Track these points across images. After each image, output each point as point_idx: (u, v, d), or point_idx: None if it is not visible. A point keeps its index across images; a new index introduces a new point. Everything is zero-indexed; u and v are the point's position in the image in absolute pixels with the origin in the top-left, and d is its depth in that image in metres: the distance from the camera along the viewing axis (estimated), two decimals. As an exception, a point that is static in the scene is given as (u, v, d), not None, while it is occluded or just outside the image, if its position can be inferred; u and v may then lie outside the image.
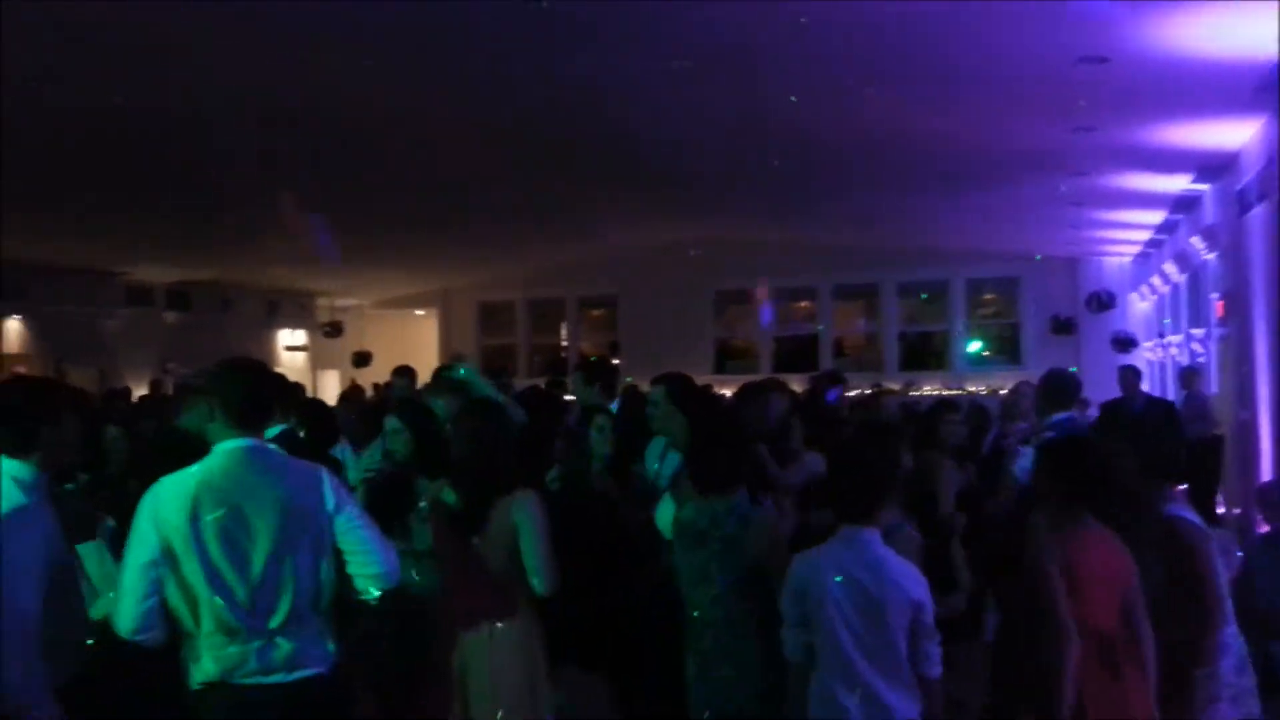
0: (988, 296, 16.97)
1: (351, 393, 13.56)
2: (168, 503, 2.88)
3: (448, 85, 7.40)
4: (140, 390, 13.64)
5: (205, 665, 2.87)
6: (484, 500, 3.55)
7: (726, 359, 17.49)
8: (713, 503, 3.62)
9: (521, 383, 14.40)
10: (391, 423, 4.28)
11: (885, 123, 8.30)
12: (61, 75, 6.57)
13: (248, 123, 7.95)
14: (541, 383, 9.88)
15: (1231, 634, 3.55)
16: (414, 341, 18.60)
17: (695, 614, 3.59)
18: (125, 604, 2.86)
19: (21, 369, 13.34)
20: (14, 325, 13.72)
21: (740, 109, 8.18)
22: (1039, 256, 15.37)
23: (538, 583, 3.48)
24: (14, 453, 2.93)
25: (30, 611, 2.73)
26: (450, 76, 7.18)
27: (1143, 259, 14.61)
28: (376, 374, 14.90)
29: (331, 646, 2.99)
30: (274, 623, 2.87)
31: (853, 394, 11.01)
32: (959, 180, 10.64)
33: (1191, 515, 3.59)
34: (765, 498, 4.00)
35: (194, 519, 2.85)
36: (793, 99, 7.60)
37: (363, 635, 3.64)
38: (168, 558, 2.86)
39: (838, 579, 3.14)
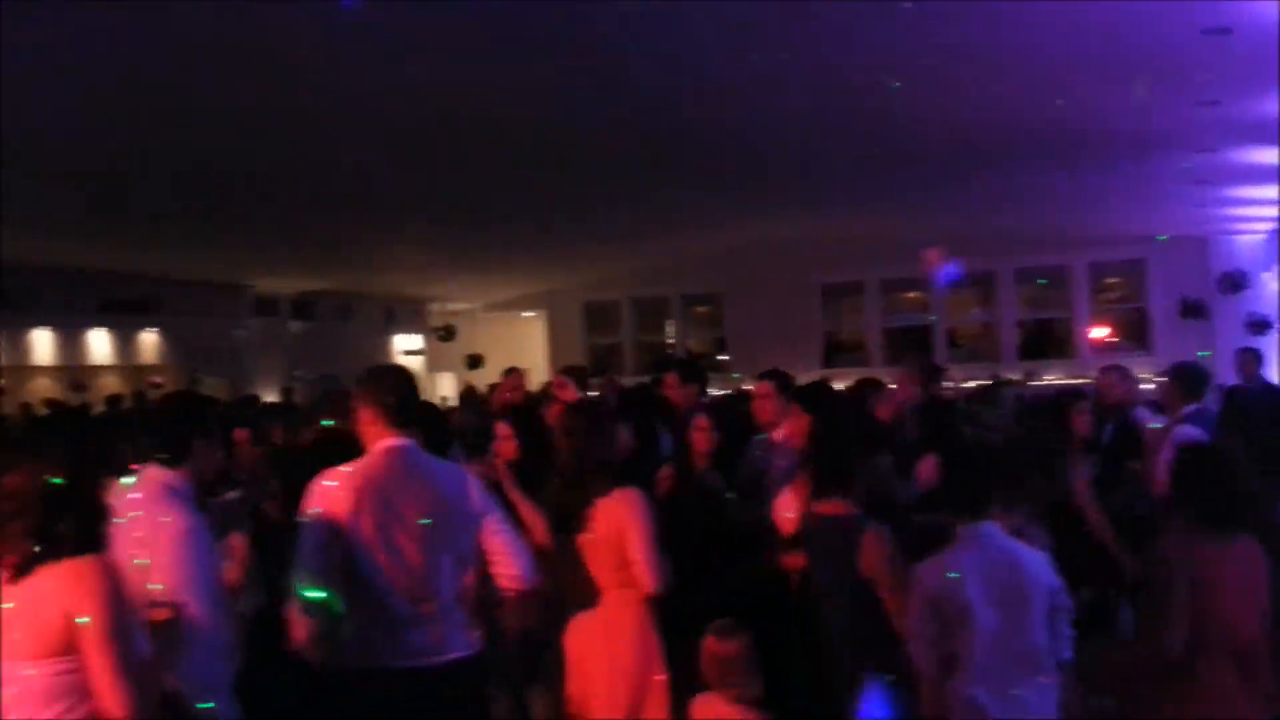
0: (1111, 280, 16.28)
1: (469, 395, 13.91)
2: (330, 497, 3.05)
3: (555, 89, 7.51)
4: (269, 398, 14.29)
5: (361, 650, 3.03)
6: (586, 499, 3.59)
7: (835, 353, 17.26)
8: (828, 508, 3.57)
9: (628, 380, 14.56)
10: (501, 429, 4.38)
11: (1000, 104, 8.06)
12: (179, 97, 6.93)
13: (365, 138, 8.24)
14: (647, 380, 9.92)
15: None
16: (523, 342, 18.96)
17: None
18: (309, 591, 2.98)
19: (158, 379, 14.16)
20: (150, 337, 14.56)
21: (848, 99, 8.05)
22: (1164, 237, 14.65)
23: (646, 580, 3.49)
24: (171, 464, 3.14)
25: (210, 615, 2.94)
26: (558, 80, 7.28)
27: (1276, 236, 13.79)
28: (489, 375, 15.25)
29: (475, 634, 3.15)
30: (426, 610, 3.02)
31: (970, 385, 10.74)
32: (1078, 161, 10.24)
33: None
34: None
35: (355, 513, 3.01)
36: (895, 85, 7.46)
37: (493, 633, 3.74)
38: (331, 548, 3.01)
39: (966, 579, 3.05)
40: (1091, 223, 14.39)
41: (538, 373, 14.01)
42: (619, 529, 3.50)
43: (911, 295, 17.25)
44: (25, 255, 11.46)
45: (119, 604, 2.36)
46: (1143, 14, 5.89)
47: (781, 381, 4.94)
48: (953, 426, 5.51)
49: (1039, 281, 16.58)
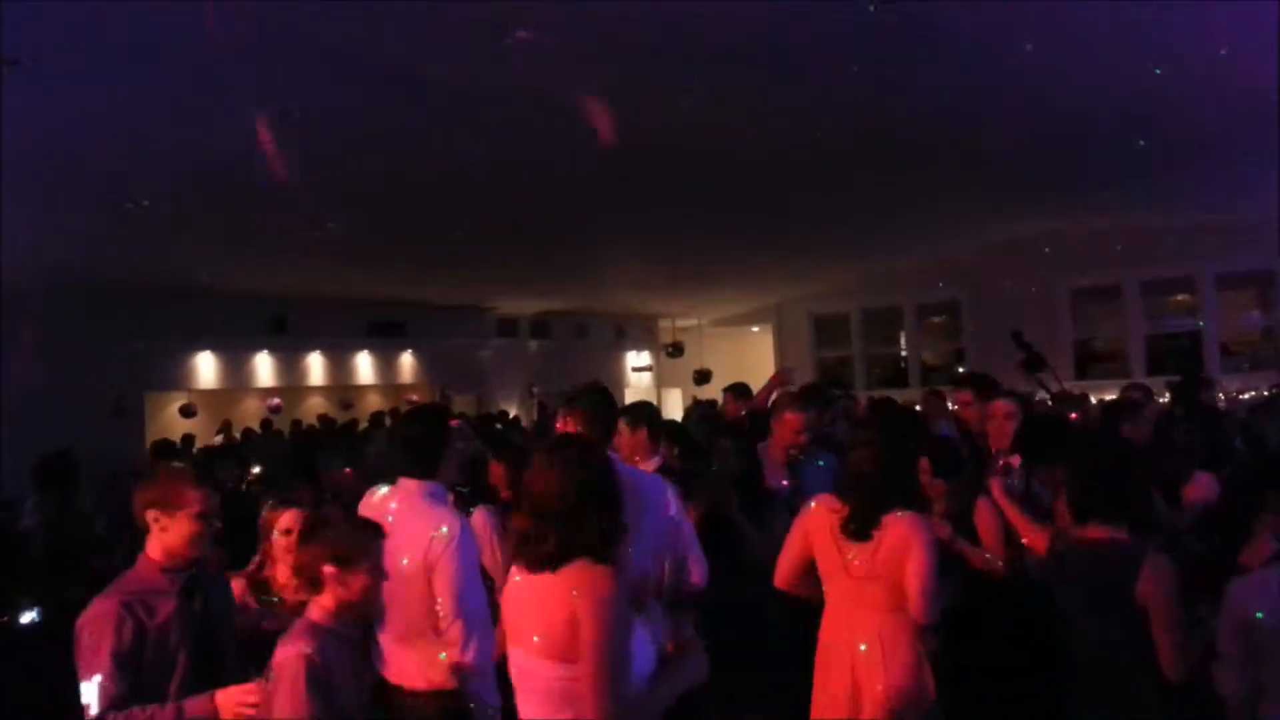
0: None
1: (694, 409, 14.00)
2: None
3: (777, 103, 7.45)
4: (511, 412, 15.01)
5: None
6: (874, 516, 3.42)
7: (1090, 362, 16.01)
8: (1095, 533, 3.27)
9: (860, 393, 14.14)
10: (725, 443, 4.33)
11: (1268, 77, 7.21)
12: (429, 138, 7.42)
13: (597, 165, 8.51)
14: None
15: None
16: (751, 357, 18.91)
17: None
18: None
19: (415, 396, 15.20)
20: (407, 358, 15.67)
21: (1091, 89, 7.48)
22: None
23: (917, 608, 3.30)
24: (423, 474, 3.35)
25: (478, 607, 3.23)
26: (784, 90, 7.21)
27: None
28: (715, 390, 15.30)
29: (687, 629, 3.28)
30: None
31: (1248, 395, 9.65)
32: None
33: None
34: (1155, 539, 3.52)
35: None
36: (1156, 70, 6.83)
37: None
38: None
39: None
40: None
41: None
42: (902, 550, 3.32)
43: (1178, 298, 15.73)
44: (301, 287, 12.69)
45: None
46: None
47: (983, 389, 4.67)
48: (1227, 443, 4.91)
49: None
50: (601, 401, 3.49)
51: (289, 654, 2.65)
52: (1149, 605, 3.05)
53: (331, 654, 2.68)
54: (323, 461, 6.80)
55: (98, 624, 2.70)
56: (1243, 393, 11.86)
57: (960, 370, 16.53)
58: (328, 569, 2.75)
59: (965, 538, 3.98)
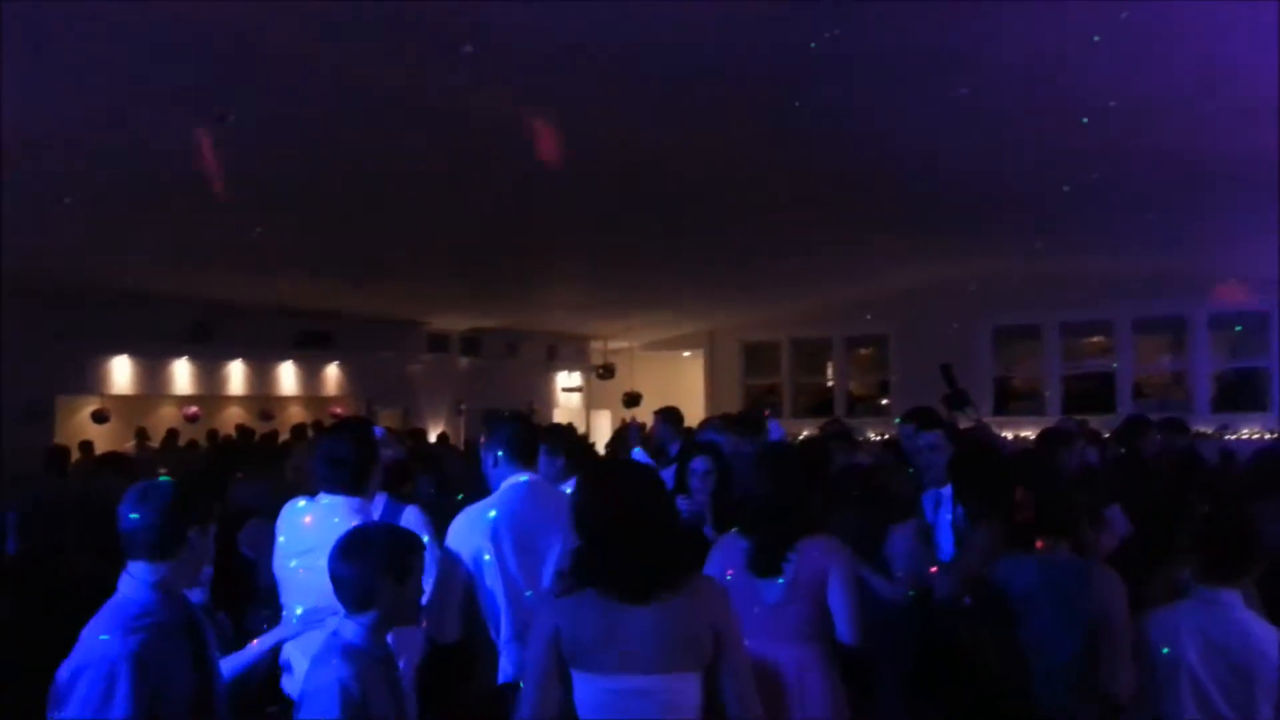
0: (1321, 327, 14.90)
1: (620, 432, 14.03)
2: (472, 529, 3.38)
3: (722, 136, 7.54)
4: (436, 429, 14.83)
5: (505, 668, 3.29)
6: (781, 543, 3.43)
7: (1008, 399, 16.46)
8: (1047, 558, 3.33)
9: (787, 423, 14.30)
10: (702, 464, 4.31)
11: (1194, 135, 7.55)
12: (368, 149, 7.33)
13: (532, 183, 8.49)
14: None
15: None
16: (681, 382, 19.00)
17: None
18: (448, 615, 3.33)
19: (339, 410, 14.92)
20: (332, 371, 15.38)
21: (1022, 137, 7.74)
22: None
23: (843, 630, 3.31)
24: (348, 491, 3.31)
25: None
26: (725, 126, 7.31)
27: None
28: (645, 414, 15.34)
29: None
30: None
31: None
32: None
33: None
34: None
35: (495, 542, 3.33)
36: (1084, 120, 7.09)
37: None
38: (472, 577, 3.33)
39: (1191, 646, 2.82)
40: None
41: (695, 412, 13.97)
42: (821, 576, 3.32)
43: (1094, 340, 16.30)
44: (225, 294, 12.38)
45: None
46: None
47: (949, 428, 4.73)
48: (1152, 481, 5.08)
49: (1236, 328, 15.36)
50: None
51: (322, 681, 2.44)
52: (1106, 618, 3.10)
53: (369, 679, 2.49)
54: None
55: None
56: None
57: (883, 402, 16.88)
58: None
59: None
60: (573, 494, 2.67)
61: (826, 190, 9.45)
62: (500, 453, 3.53)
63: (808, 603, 3.29)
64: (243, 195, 7.84)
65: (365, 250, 10.65)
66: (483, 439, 3.65)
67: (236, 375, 14.22)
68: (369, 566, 2.57)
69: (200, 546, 2.51)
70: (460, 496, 3.95)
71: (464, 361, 17.09)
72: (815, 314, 17.34)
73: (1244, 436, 13.53)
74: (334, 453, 3.34)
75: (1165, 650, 2.89)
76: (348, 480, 3.30)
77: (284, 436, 12.47)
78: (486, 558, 3.31)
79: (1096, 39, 5.53)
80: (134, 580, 2.43)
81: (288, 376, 14.88)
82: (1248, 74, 6.15)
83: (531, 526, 3.39)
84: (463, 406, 16.50)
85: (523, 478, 3.51)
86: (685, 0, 5.19)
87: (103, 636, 2.31)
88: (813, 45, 5.58)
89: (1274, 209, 10.15)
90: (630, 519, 2.51)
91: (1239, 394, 15.07)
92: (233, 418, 14.38)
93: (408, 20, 5.23)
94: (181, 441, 12.85)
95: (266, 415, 14.46)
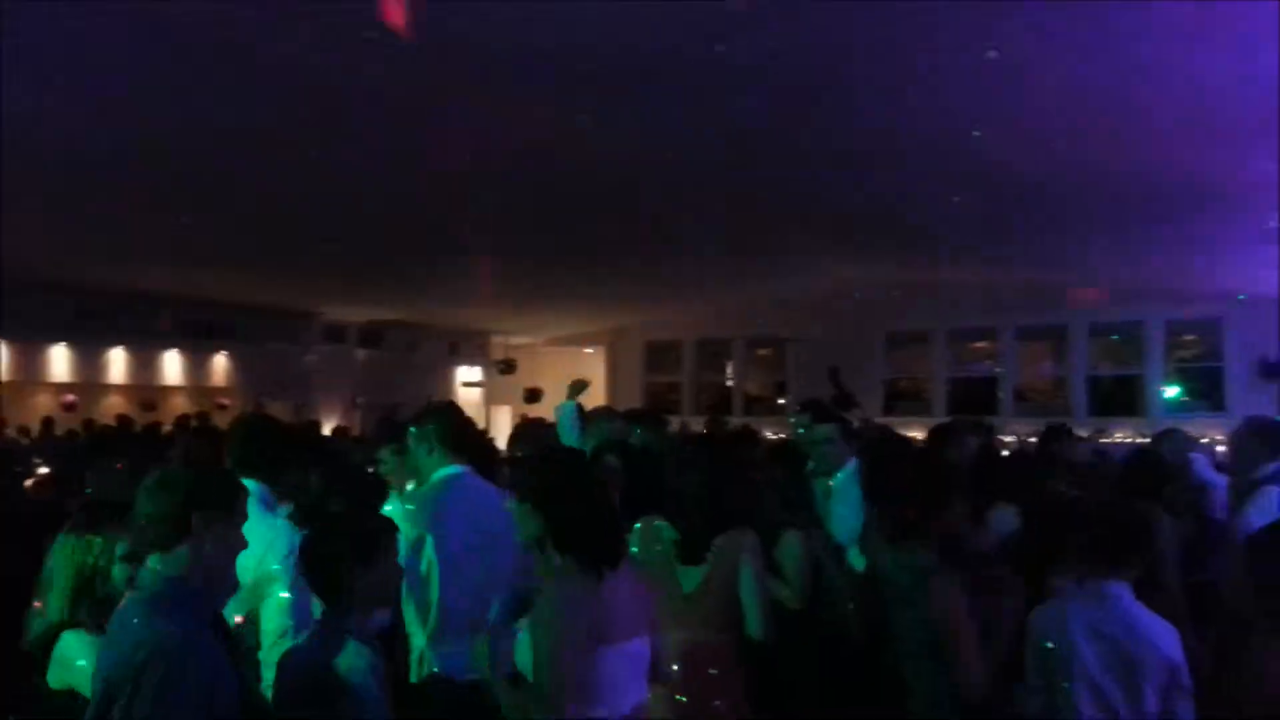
0: (1187, 338, 15.81)
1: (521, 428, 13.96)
2: (413, 517, 3.42)
3: (628, 134, 7.57)
4: (331, 423, 14.49)
5: (429, 662, 3.29)
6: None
7: (897, 400, 17.00)
8: (906, 554, 3.45)
9: (687, 419, 14.45)
10: (610, 460, 4.31)
11: (1076, 156, 7.92)
12: (264, 133, 7.12)
13: (435, 174, 8.39)
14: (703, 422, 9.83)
15: None
16: (583, 378, 18.98)
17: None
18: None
19: (226, 402, 14.46)
20: (221, 361, 14.88)
21: (923, 147, 7.98)
22: (1242, 296, 14.22)
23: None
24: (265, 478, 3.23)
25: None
26: (631, 124, 7.34)
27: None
28: (545, 410, 15.28)
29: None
30: (485, 625, 3.11)
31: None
32: (1158, 216, 10.00)
33: None
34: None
35: (437, 532, 3.33)
36: (976, 134, 7.37)
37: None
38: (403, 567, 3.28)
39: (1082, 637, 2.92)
40: (1169, 279, 14.03)
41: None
42: (734, 570, 3.40)
43: (978, 346, 16.95)
44: (106, 278, 11.86)
45: None
46: (1228, 68, 5.75)
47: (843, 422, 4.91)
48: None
49: (1113, 336, 16.18)
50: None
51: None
52: (944, 623, 3.19)
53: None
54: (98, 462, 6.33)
55: None
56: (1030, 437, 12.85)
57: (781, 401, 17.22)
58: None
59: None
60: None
61: (730, 194, 9.58)
62: (434, 443, 3.52)
63: (722, 594, 3.37)
64: (128, 178, 7.55)
65: (257, 238, 10.34)
66: (414, 428, 3.61)
67: (117, 363, 13.65)
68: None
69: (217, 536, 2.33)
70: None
71: (362, 354, 16.74)
72: (716, 314, 17.59)
73: (1119, 440, 14.25)
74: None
75: (1049, 645, 2.96)
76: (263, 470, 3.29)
77: (167, 427, 12.03)
78: (426, 549, 3.29)
79: (993, 54, 5.75)
80: (152, 572, 2.28)
81: (172, 366, 14.35)
82: (1114, 99, 6.47)
83: (476, 517, 3.38)
84: (359, 400, 16.16)
85: (457, 468, 3.50)
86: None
87: (159, 627, 2.15)
88: (719, 48, 5.66)
89: (1141, 232, 10.77)
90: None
91: (1115, 399, 15.87)
92: (114, 407, 13.79)
93: (307, 1, 5.11)
94: (59, 431, 12.27)
95: (149, 405, 13.92)
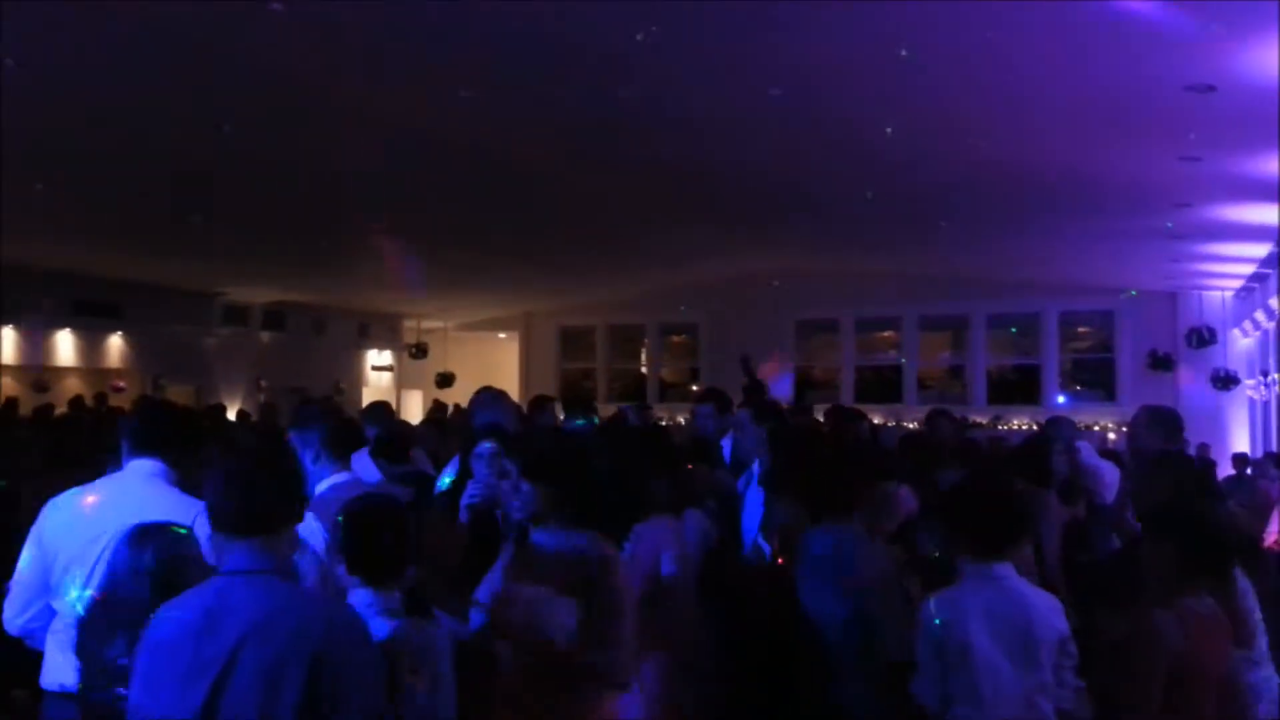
0: (1082, 330, 16.49)
1: (434, 412, 13.84)
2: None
3: (537, 116, 7.51)
4: (233, 407, 14.07)
5: None
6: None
7: (807, 389, 17.31)
8: (834, 530, 3.53)
9: (601, 406, 14.45)
10: (488, 447, 4.27)
11: (979, 153, 8.16)
12: (163, 103, 6.85)
13: (343, 152, 8.19)
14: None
15: (1265, 678, 3.27)
16: (496, 364, 18.84)
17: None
18: None
19: (122, 384, 13.91)
20: (116, 342, 14.30)
21: (829, 141, 8.12)
22: (1133, 292, 14.92)
23: None
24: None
25: None
26: (540, 109, 7.28)
27: (1246, 293, 14.03)
28: (459, 395, 15.13)
29: None
30: None
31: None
32: (1056, 211, 10.38)
33: None
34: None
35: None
36: (888, 130, 7.53)
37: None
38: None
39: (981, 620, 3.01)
40: (1065, 272, 14.60)
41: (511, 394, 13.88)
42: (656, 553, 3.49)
43: (885, 335, 17.38)
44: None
45: None
46: (1128, 70, 5.99)
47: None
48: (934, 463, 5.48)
49: (1011, 329, 16.78)
50: None
51: None
52: (877, 586, 3.31)
53: None
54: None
55: None
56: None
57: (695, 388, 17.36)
58: None
59: None
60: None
61: (640, 180, 9.61)
62: (318, 449, 3.38)
63: (642, 578, 3.42)
64: (15, 150, 7.17)
65: (155, 215, 9.95)
66: (293, 432, 3.48)
67: (6, 343, 12.99)
68: None
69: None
70: None
71: (265, 336, 16.27)
72: (631, 301, 17.64)
73: (1015, 427, 14.79)
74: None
75: (944, 627, 3.02)
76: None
77: (61, 409, 11.53)
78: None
79: (904, 53, 5.88)
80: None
81: (65, 346, 13.72)
82: (1017, 97, 6.68)
83: None
84: (263, 384, 15.72)
85: (344, 476, 3.38)
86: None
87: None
88: (639, 37, 5.66)
89: (1040, 226, 11.18)
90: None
91: (1012, 389, 16.47)
92: (2, 389, 13.13)
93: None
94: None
95: (41, 387, 13.30)
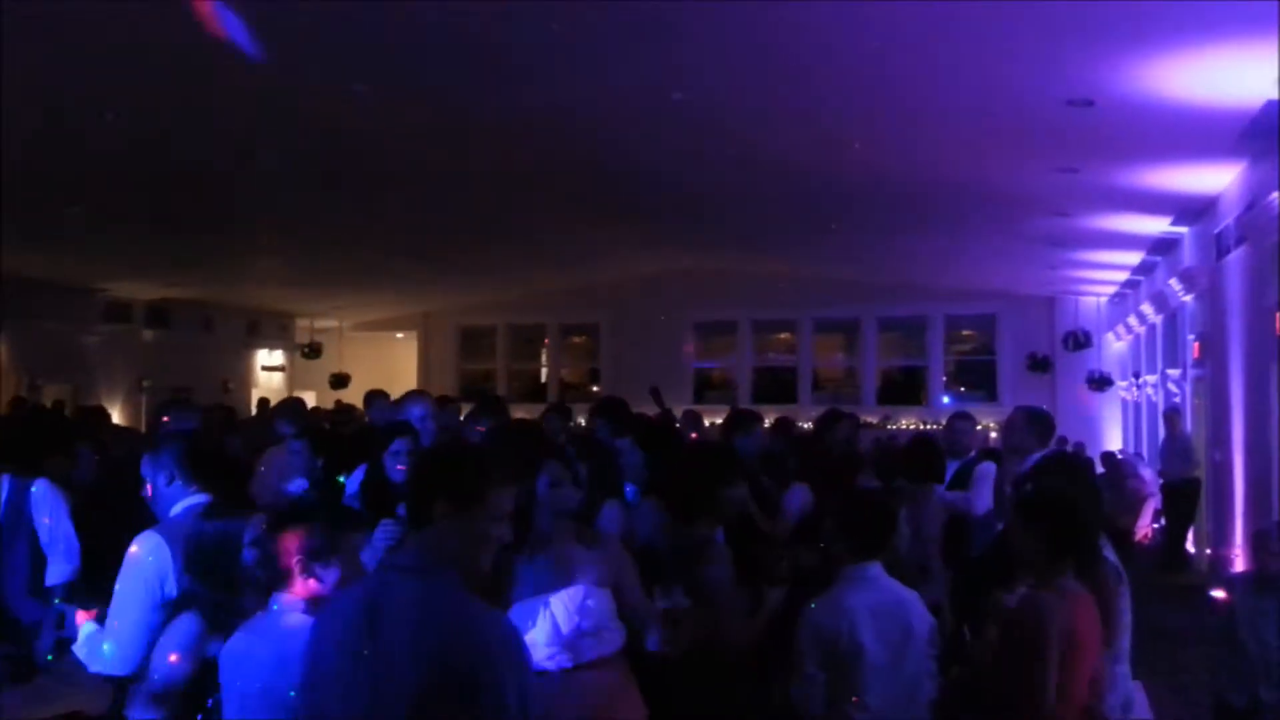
0: (966, 333, 17.15)
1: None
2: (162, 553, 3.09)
3: (434, 113, 7.41)
4: (114, 408, 13.47)
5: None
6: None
7: (706, 389, 17.54)
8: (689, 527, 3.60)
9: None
10: (402, 444, 4.18)
11: (868, 161, 8.39)
12: (46, 89, 6.52)
13: (232, 142, 7.93)
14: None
15: (1122, 673, 3.42)
16: (393, 364, 18.51)
17: None
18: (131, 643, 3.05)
19: (-8, 384, 13.17)
20: (-13, 339, 13.53)
21: (725, 145, 8.24)
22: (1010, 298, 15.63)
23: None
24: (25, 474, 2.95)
25: None
26: (437, 106, 7.19)
27: (1119, 299, 14.82)
28: (353, 396, 14.81)
29: None
30: None
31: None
32: (941, 219, 10.76)
33: (1111, 556, 3.47)
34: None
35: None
36: (781, 136, 7.69)
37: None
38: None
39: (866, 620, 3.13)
40: (950, 277, 15.15)
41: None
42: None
43: (781, 337, 17.73)
44: None
45: None
46: (1009, 83, 6.25)
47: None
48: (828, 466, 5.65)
49: (898, 331, 17.34)
50: None
51: None
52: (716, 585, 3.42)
53: None
54: None
55: None
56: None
57: (596, 390, 17.40)
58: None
59: None
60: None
61: (540, 180, 9.58)
62: (172, 473, 3.13)
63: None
64: None
65: (30, 206, 9.44)
66: (147, 458, 3.20)
67: None
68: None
69: None
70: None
71: (149, 334, 15.61)
72: (531, 301, 17.58)
73: (903, 427, 15.26)
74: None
75: (833, 631, 3.10)
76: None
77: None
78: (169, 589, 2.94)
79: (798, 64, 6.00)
80: None
81: (-70, 344, 12.93)
82: (904, 105, 6.89)
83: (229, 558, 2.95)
84: (145, 384, 15.08)
85: (201, 499, 3.14)
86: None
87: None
88: (554, 26, 5.62)
89: (925, 233, 11.58)
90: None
91: (901, 389, 17.01)
92: None
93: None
94: None
95: (-102, 388, 12.49)
